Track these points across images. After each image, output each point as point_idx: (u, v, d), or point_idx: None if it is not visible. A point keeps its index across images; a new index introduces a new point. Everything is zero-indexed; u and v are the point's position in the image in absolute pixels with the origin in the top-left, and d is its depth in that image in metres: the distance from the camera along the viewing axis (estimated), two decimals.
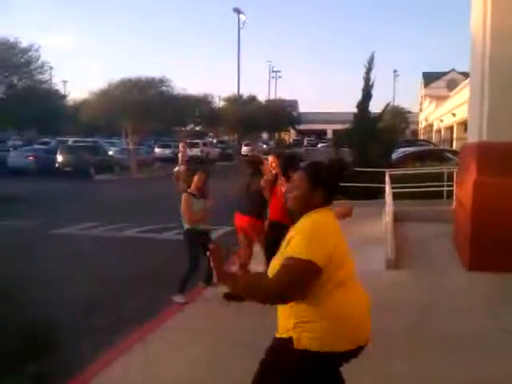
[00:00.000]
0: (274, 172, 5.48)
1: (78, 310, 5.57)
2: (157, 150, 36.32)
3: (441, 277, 6.69)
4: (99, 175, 24.06)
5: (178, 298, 5.63)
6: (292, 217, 2.50)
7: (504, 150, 6.73)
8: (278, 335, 2.35)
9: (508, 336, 4.71)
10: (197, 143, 37.99)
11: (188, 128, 37.28)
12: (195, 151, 36.79)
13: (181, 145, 19.34)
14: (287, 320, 2.30)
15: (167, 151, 36.09)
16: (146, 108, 26.17)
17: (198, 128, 42.75)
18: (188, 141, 36.25)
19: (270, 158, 5.54)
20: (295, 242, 2.24)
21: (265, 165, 5.80)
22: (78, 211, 13.13)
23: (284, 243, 2.35)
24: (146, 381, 3.89)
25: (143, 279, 6.91)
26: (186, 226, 5.83)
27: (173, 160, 33.98)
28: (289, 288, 2.16)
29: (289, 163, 5.19)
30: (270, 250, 4.03)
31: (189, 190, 5.82)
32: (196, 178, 5.84)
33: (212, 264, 2.33)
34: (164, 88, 30.04)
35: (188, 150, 35.23)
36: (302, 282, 2.18)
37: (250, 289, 2.31)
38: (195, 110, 33.65)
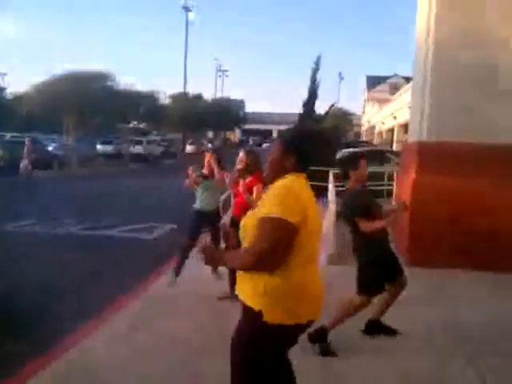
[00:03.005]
0: (240, 168, 5.55)
1: (16, 307, 5.32)
2: (99, 146, 35.42)
3: None
4: (37, 171, 23.14)
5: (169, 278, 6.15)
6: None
7: (441, 149, 6.96)
8: (247, 303, 2.33)
9: (442, 330, 4.86)
10: (140, 140, 37.33)
11: (132, 125, 36.47)
12: (138, 148, 36.16)
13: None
14: (255, 287, 2.29)
15: (109, 148, 35.25)
16: (89, 102, 25.45)
17: (141, 125, 41.94)
18: (131, 138, 35.61)
19: (241, 155, 5.61)
20: (268, 203, 2.25)
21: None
22: (13, 208, 12.56)
23: (258, 205, 2.38)
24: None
25: (83, 277, 6.67)
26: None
27: (115, 156, 33.40)
28: (267, 248, 2.17)
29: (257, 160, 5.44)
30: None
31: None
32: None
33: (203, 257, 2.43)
34: (108, 83, 29.36)
35: (131, 147, 34.76)
36: (279, 240, 2.18)
37: (233, 259, 2.38)
38: (139, 106, 32.96)
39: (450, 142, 6.91)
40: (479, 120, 6.91)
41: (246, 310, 2.34)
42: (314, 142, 2.48)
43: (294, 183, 2.34)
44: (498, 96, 6.91)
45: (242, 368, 2.37)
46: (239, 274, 2.40)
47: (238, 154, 5.72)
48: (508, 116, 6.95)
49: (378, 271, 4.33)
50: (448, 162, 6.92)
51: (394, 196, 10.25)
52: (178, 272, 6.12)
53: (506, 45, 6.91)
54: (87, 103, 25.38)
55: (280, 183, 2.34)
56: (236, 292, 2.45)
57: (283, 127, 22.96)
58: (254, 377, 2.35)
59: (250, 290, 2.31)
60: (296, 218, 2.20)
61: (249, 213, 2.46)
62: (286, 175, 2.38)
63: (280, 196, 2.25)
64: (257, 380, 2.36)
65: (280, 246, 2.19)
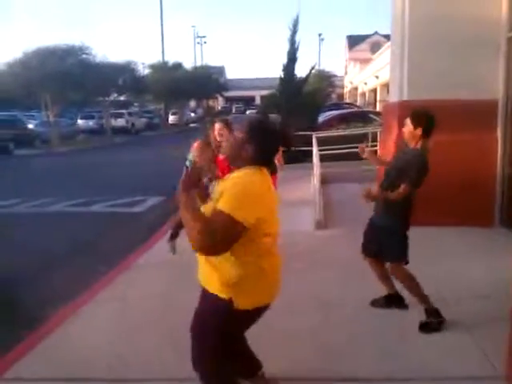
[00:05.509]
0: (218, 140, 5.32)
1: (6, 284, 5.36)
2: (80, 121, 34.96)
3: None
4: (19, 150, 22.89)
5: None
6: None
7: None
8: (212, 291, 2.43)
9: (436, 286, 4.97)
10: (122, 113, 36.85)
11: (112, 97, 35.86)
12: (120, 122, 35.74)
13: None
14: (219, 276, 2.38)
15: (91, 122, 34.82)
16: (66, 77, 24.97)
17: (122, 97, 41.25)
18: (112, 111, 35.12)
19: (218, 126, 5.35)
20: (227, 197, 2.23)
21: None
22: None
23: (217, 191, 2.34)
24: (82, 353, 3.80)
25: (73, 253, 6.70)
26: None
27: (97, 131, 33.01)
28: (214, 239, 2.15)
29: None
30: None
31: None
32: None
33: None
34: (84, 56, 28.75)
35: (113, 120, 34.33)
36: (227, 236, 2.19)
37: (188, 214, 2.22)
38: (118, 78, 32.36)
39: (430, 100, 6.92)
40: (458, 78, 6.92)
41: (213, 298, 2.43)
42: (271, 136, 2.45)
43: (254, 178, 2.34)
44: (474, 55, 6.92)
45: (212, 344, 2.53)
46: (202, 265, 2.48)
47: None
48: (485, 74, 6.97)
49: None
50: None
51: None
52: (174, 238, 6.27)
53: (483, 4, 6.86)
54: (64, 78, 24.87)
55: (240, 178, 2.33)
56: (200, 282, 2.54)
57: (265, 92, 22.84)
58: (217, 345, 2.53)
59: (217, 280, 2.40)
60: (250, 219, 2.23)
61: (209, 203, 2.42)
62: (247, 166, 2.38)
63: (239, 195, 2.24)
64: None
65: (228, 240, 2.21)
